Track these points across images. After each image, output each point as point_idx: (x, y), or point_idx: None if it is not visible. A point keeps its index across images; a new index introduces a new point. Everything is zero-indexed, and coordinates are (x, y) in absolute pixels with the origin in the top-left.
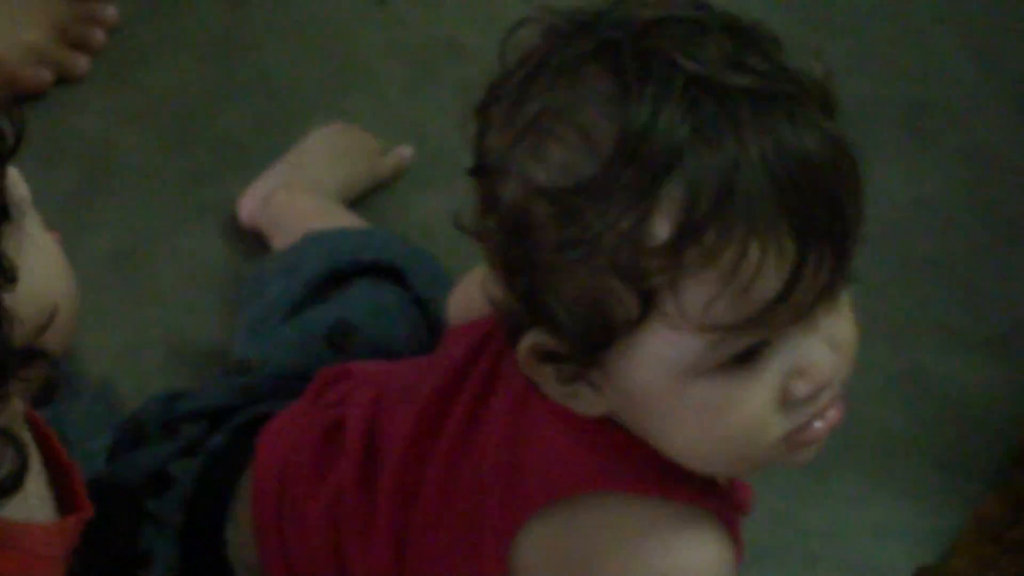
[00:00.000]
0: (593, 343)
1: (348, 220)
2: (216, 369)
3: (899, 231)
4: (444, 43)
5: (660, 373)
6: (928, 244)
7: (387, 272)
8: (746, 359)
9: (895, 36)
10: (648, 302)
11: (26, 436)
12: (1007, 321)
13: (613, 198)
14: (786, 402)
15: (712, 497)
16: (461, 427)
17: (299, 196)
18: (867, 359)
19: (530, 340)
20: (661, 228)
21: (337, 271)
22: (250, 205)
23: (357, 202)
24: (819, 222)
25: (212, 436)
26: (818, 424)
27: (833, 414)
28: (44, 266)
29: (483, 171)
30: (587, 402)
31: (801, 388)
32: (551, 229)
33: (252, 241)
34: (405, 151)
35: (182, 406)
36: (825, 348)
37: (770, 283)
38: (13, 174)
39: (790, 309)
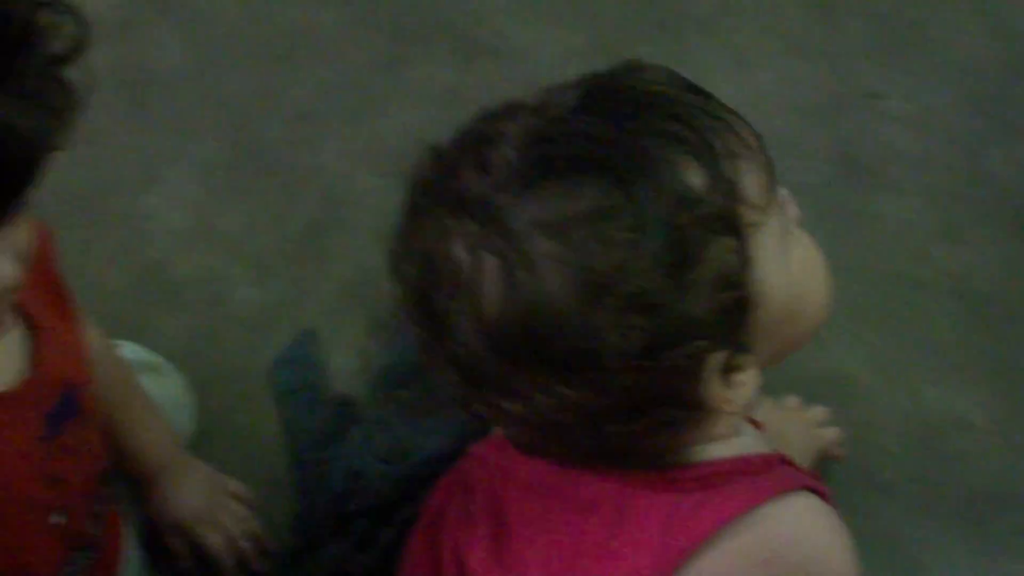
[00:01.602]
0: (742, 315)
1: None
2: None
3: None
4: None
5: (776, 270)
6: None
7: None
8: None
9: None
10: (746, 241)
11: None
12: None
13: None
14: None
15: (813, 478)
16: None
17: None
18: None
19: (713, 371)
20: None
21: None
22: None
23: None
24: None
25: (382, 530)
26: None
27: None
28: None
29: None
30: (750, 376)
31: (795, 209)
32: (657, 271)
33: None
34: None
35: (351, 503)
36: None
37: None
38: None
39: None
